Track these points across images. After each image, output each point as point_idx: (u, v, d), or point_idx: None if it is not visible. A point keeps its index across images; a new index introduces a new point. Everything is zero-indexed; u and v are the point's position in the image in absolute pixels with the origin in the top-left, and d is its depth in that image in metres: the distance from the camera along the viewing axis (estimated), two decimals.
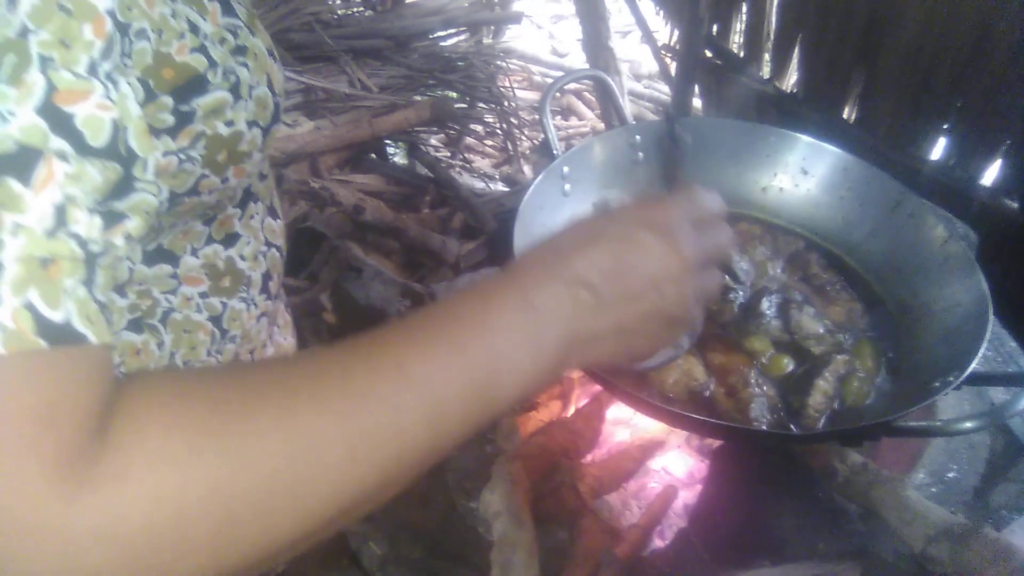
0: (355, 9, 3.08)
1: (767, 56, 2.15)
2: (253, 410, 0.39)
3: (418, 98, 2.65)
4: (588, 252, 0.53)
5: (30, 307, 0.33)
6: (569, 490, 0.94)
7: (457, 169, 2.83)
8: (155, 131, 0.47)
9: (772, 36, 2.10)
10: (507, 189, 2.78)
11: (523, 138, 3.03)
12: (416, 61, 2.75)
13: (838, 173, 1.08)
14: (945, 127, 1.68)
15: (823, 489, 0.87)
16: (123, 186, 0.39)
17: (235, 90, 0.52)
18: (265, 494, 0.38)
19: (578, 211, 1.01)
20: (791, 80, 2.09)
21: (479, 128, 2.99)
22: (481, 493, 0.85)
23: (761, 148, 1.12)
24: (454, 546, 0.92)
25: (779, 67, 2.10)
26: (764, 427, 0.84)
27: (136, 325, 0.59)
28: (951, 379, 0.78)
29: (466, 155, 2.95)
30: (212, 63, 0.50)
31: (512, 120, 2.94)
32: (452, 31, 3.07)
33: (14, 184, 0.33)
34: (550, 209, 0.97)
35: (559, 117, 3.46)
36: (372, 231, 2.03)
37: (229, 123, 0.52)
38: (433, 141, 2.89)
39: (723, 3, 2.20)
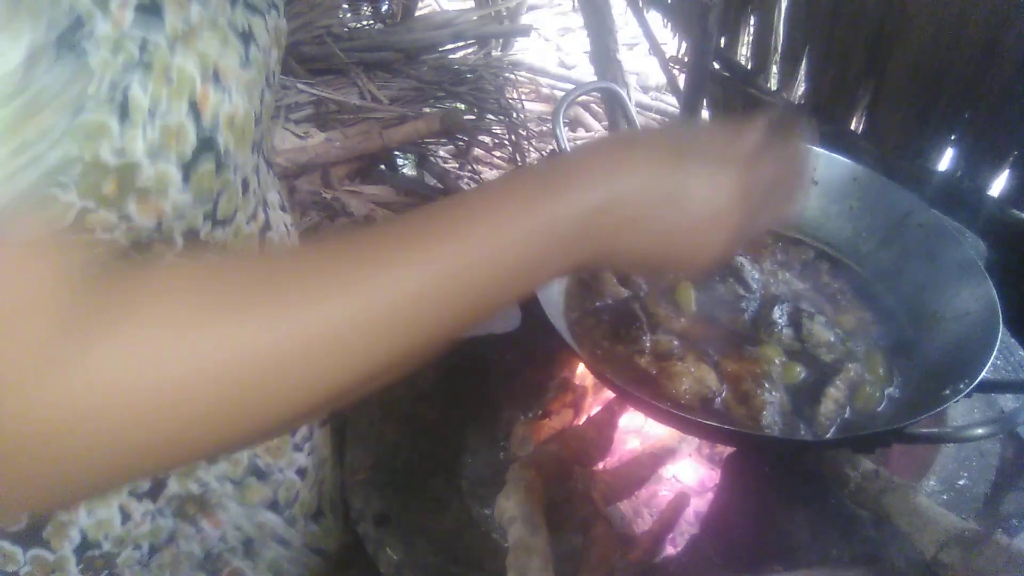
0: (366, 22, 3.12)
1: (775, 68, 2.16)
2: (280, 292, 0.40)
3: (427, 110, 2.68)
4: (655, 171, 0.48)
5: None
6: (582, 497, 0.95)
7: (466, 180, 2.85)
8: None
9: (780, 48, 2.11)
10: None
11: (531, 149, 3.05)
12: (426, 73, 2.77)
13: (848, 183, 1.10)
14: (953, 138, 1.69)
15: (835, 496, 0.87)
16: None
17: (123, 112, 0.45)
18: (293, 363, 0.39)
19: None
20: (799, 91, 2.10)
21: (487, 140, 3.01)
22: (496, 499, 0.86)
23: None
24: (469, 552, 0.93)
25: (787, 79, 2.11)
26: (776, 434, 0.85)
27: None
28: (962, 386, 0.79)
29: (475, 166, 2.97)
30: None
31: (520, 132, 2.96)
32: (461, 44, 3.10)
33: None
34: None
35: (566, 128, 3.47)
36: None
37: (119, 152, 0.46)
38: (442, 152, 2.91)
39: (731, 16, 2.22)
